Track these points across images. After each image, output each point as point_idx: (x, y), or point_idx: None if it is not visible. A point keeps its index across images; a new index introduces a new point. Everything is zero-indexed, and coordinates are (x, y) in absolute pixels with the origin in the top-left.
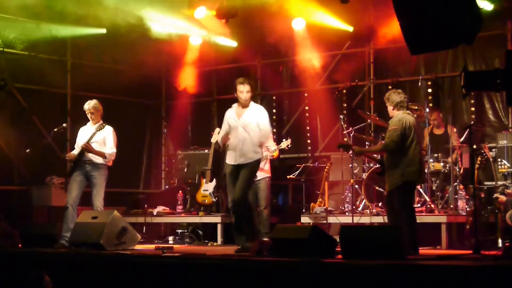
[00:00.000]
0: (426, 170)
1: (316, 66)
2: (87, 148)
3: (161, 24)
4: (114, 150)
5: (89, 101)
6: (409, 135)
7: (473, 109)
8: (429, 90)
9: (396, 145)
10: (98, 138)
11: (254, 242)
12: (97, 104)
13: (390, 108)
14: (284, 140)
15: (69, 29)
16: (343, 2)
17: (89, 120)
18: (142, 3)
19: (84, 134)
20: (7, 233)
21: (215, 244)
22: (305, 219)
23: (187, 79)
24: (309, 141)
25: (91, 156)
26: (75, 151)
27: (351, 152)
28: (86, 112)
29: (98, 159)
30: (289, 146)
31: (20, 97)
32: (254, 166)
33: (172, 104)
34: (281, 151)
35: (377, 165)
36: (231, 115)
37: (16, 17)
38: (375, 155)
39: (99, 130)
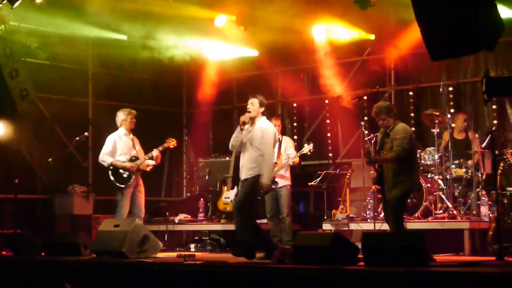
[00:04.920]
0: (448, 176)
1: (336, 73)
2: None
3: (182, 33)
4: None
5: (130, 110)
6: (414, 144)
7: (495, 114)
8: (451, 96)
9: (407, 153)
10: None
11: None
12: None
13: (389, 119)
14: (306, 145)
15: (90, 30)
16: (362, 9)
17: (114, 128)
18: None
19: (127, 144)
20: (30, 242)
21: None
22: (326, 226)
23: (208, 88)
24: (330, 148)
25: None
26: (122, 158)
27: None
28: (131, 118)
29: None
30: (311, 151)
31: (42, 106)
32: None
33: (193, 112)
34: (303, 158)
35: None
36: None
37: (37, 27)
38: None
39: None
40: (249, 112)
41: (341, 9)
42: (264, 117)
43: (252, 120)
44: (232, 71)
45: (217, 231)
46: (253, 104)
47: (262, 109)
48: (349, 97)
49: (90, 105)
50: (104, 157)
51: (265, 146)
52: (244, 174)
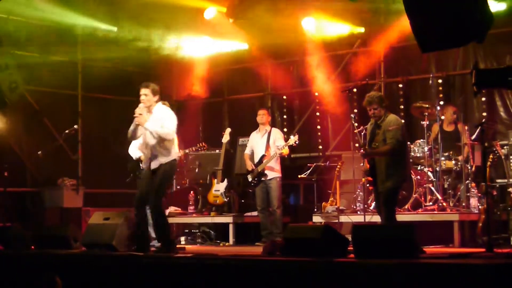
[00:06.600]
0: (437, 168)
1: (326, 66)
2: None
3: (172, 25)
4: None
5: None
6: (405, 135)
7: (484, 106)
8: (440, 88)
9: (401, 145)
10: None
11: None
12: None
13: (381, 109)
14: (292, 136)
15: (80, 22)
16: (352, 1)
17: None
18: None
19: None
20: (20, 235)
21: (227, 244)
22: (316, 219)
23: (198, 80)
24: (320, 140)
25: None
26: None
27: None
28: None
29: None
30: (297, 143)
31: (32, 99)
32: None
33: (183, 104)
34: (293, 150)
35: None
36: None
37: (27, 19)
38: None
39: None
40: (144, 103)
41: (331, 1)
42: (160, 103)
43: (148, 109)
44: (222, 64)
45: (207, 223)
46: (147, 95)
47: (157, 97)
48: (339, 90)
49: (80, 98)
50: (133, 150)
51: (167, 127)
52: (153, 164)
